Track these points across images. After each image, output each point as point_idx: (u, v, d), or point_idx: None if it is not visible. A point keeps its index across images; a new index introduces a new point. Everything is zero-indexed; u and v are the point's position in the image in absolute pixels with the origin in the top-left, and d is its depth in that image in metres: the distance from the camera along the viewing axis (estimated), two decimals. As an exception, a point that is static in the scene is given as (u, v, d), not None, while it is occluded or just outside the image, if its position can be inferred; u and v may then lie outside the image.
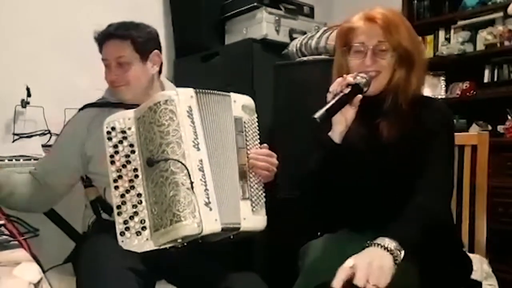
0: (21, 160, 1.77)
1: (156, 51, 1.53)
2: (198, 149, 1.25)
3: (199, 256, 1.34)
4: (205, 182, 1.23)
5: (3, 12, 2.24)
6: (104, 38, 1.49)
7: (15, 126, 2.23)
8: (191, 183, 1.20)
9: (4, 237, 1.07)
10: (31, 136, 2.20)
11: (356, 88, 1.18)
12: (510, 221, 2.43)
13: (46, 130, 2.24)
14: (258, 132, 1.41)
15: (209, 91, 1.34)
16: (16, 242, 1.06)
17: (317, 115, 1.12)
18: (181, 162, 1.21)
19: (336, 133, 1.22)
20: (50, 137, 2.20)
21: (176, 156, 1.21)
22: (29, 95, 2.16)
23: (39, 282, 0.87)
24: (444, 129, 1.23)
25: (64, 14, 2.41)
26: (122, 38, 1.47)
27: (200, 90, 1.32)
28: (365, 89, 1.19)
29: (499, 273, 1.48)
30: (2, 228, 1.13)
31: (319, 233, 1.32)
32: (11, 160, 1.75)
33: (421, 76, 1.26)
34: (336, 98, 1.16)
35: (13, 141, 2.18)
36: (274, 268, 1.94)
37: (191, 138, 1.25)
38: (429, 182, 1.16)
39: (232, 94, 1.39)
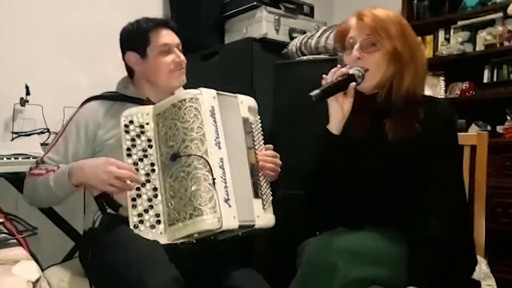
0: (20, 159, 1.75)
1: None
2: (219, 147, 1.28)
3: (201, 254, 1.34)
4: (224, 179, 1.26)
5: (3, 12, 2.24)
6: (159, 24, 1.54)
7: (14, 124, 2.22)
8: (213, 179, 1.23)
9: (3, 235, 1.07)
10: (30, 135, 2.19)
11: (350, 77, 1.23)
12: (509, 221, 2.43)
13: (45, 129, 2.23)
14: (262, 133, 1.44)
15: (223, 92, 1.37)
16: (15, 241, 1.06)
17: (313, 93, 1.19)
18: (204, 159, 1.24)
19: (334, 124, 1.26)
20: (49, 136, 2.19)
21: (199, 152, 1.24)
22: (28, 93, 2.16)
23: (37, 280, 0.87)
24: (450, 138, 1.24)
25: (63, 13, 2.40)
26: (174, 30, 1.57)
27: (219, 92, 1.36)
28: (359, 80, 1.23)
29: (498, 274, 1.48)
30: (1, 227, 1.13)
31: (318, 232, 1.33)
32: (10, 158, 1.74)
33: (418, 77, 1.25)
34: (331, 83, 1.22)
35: (12, 140, 2.17)
36: (274, 267, 1.94)
37: (213, 136, 1.28)
38: (438, 204, 1.16)
39: (238, 95, 1.42)
